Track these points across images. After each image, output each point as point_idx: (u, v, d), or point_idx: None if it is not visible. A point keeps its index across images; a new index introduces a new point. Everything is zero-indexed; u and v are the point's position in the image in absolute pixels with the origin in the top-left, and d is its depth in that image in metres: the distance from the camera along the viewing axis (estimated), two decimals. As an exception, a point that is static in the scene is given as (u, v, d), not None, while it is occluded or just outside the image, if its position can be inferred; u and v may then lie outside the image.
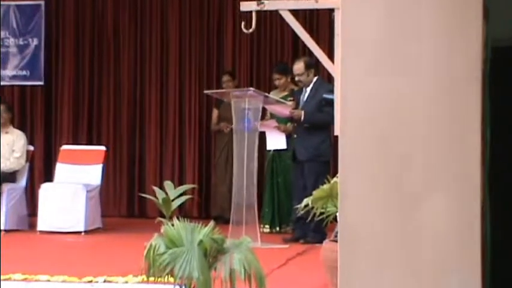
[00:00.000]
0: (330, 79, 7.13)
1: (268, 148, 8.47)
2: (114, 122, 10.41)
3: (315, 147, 7.61)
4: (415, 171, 2.92)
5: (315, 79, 7.77)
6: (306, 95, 7.79)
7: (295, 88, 8.51)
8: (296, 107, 7.80)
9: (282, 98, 8.14)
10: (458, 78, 2.90)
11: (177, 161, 10.22)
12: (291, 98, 8.11)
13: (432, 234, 2.89)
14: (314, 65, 7.66)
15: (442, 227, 2.88)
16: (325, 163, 7.58)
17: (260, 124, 7.71)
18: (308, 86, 7.78)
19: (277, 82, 8.62)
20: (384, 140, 2.95)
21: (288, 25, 6.18)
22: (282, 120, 8.25)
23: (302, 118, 7.66)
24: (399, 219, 2.93)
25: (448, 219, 2.88)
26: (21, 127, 9.56)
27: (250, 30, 6.19)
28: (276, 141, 8.35)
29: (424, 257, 2.91)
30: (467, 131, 2.90)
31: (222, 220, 8.54)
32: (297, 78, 7.85)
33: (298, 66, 7.78)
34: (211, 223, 4.04)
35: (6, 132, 8.87)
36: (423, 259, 2.91)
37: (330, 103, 6.69)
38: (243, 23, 6.13)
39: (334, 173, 5.12)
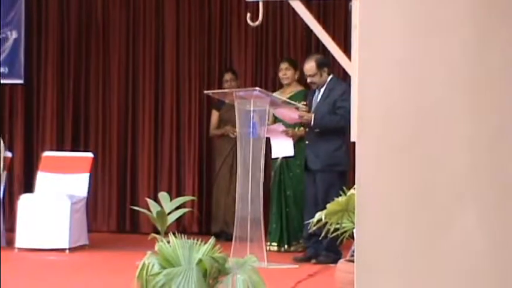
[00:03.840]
0: (345, 77, 7.11)
1: (273, 156, 8.42)
2: (103, 126, 10.41)
3: (329, 155, 7.56)
4: (444, 182, 2.91)
5: (329, 78, 7.71)
6: (319, 96, 7.73)
7: (302, 88, 8.49)
8: (309, 110, 7.75)
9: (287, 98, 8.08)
10: (494, 77, 2.88)
11: (174, 170, 10.22)
12: (304, 103, 7.98)
13: (464, 255, 2.87)
14: (327, 63, 7.62)
15: (475, 246, 2.86)
16: (341, 173, 7.54)
17: (266, 129, 7.69)
18: (322, 86, 7.73)
19: (282, 73, 8.55)
20: (407, 147, 2.94)
21: (299, 17, 6.17)
22: (289, 125, 8.23)
23: (312, 122, 7.63)
24: (426, 237, 2.91)
25: (481, 236, 2.86)
26: (-2, 131, 9.59)
27: (257, 23, 6.16)
28: (283, 148, 8.30)
29: (455, 281, 2.89)
30: (503, 134, 2.88)
31: (224, 236, 8.55)
32: (309, 80, 7.73)
33: (310, 66, 7.67)
34: (212, 240, 4.04)
35: (-19, 137, 8.88)
36: (454, 283, 2.89)
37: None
38: (248, 15, 6.11)
39: (352, 184, 5.11)
